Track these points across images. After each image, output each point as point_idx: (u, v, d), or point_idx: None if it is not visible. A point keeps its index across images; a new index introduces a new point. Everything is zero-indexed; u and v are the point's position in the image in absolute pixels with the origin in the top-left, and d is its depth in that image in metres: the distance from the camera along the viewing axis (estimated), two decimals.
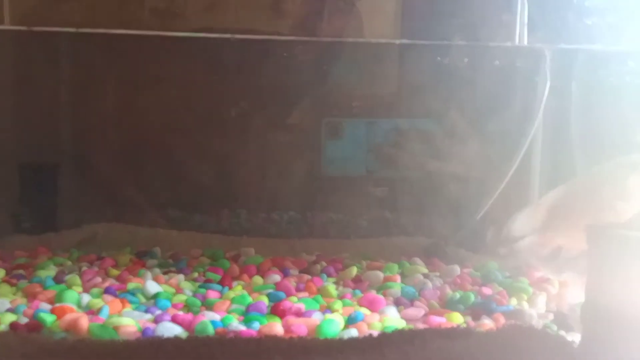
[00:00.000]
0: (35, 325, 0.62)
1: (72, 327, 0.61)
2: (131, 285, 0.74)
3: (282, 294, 0.73)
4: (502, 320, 0.69)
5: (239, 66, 1.03)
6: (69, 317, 0.62)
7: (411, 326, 0.65)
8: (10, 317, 0.64)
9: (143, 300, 0.71)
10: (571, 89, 0.88)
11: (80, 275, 0.78)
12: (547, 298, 0.77)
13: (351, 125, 1.04)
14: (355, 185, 1.06)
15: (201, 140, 1.06)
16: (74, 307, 0.67)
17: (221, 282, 0.78)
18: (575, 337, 0.62)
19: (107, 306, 0.66)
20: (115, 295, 0.71)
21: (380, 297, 0.73)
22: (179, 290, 0.75)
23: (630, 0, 0.73)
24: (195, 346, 0.55)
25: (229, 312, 0.68)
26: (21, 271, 0.80)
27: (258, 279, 0.80)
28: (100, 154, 1.04)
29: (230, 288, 0.77)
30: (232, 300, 0.71)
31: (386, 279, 0.81)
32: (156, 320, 0.64)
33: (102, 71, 1.03)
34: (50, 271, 0.80)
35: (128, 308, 0.68)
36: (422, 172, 1.00)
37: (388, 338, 0.57)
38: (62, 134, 1.05)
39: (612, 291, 0.56)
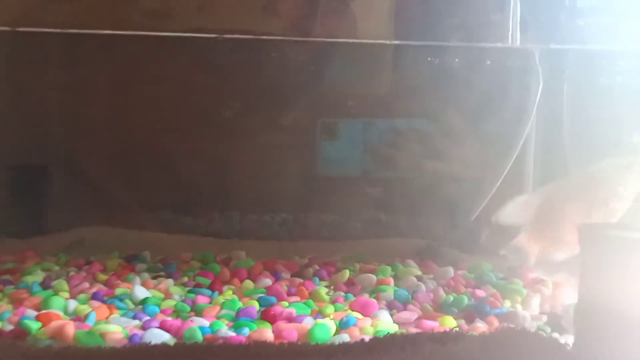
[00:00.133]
0: (20, 332, 0.61)
1: (58, 334, 0.60)
2: (119, 290, 0.73)
3: (273, 299, 0.72)
4: (495, 323, 0.68)
5: (232, 67, 1.01)
6: (54, 324, 0.61)
7: (403, 330, 0.64)
8: None
9: (131, 305, 0.70)
10: (563, 89, 0.87)
11: (68, 281, 0.76)
12: (541, 299, 0.77)
13: (347, 126, 1.03)
14: (350, 186, 1.05)
15: (193, 141, 1.05)
16: (61, 314, 0.66)
17: (211, 287, 0.77)
18: (569, 339, 0.62)
19: (94, 312, 0.65)
20: (103, 301, 0.70)
21: (373, 300, 0.72)
22: (168, 295, 0.74)
23: (622, 0, 0.73)
24: (183, 353, 0.54)
25: (218, 317, 0.67)
26: (8, 276, 0.79)
27: (249, 283, 0.79)
28: (89, 156, 1.03)
29: (221, 293, 0.75)
30: (222, 306, 0.70)
31: (379, 282, 0.80)
32: (144, 327, 0.63)
33: (91, 72, 1.02)
34: (37, 276, 0.78)
35: (115, 314, 0.67)
36: (417, 172, 1.00)
37: (380, 343, 0.56)
38: (50, 135, 1.03)
39: (605, 291, 0.56)
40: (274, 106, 1.05)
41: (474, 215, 0.95)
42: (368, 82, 1.04)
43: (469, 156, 0.97)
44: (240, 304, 0.71)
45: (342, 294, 0.76)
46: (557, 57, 0.87)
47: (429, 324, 0.66)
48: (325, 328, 0.62)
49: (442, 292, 0.77)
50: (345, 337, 0.61)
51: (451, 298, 0.75)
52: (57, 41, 0.98)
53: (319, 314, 0.69)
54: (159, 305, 0.70)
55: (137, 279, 0.77)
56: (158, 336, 0.60)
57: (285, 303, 0.71)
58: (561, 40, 0.74)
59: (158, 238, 0.97)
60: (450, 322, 0.67)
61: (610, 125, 0.82)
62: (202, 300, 0.72)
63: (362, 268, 0.87)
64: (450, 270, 0.85)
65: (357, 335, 0.63)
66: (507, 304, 0.75)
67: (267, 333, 0.61)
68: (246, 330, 0.62)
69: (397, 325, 0.67)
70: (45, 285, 0.75)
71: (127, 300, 0.71)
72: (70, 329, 0.60)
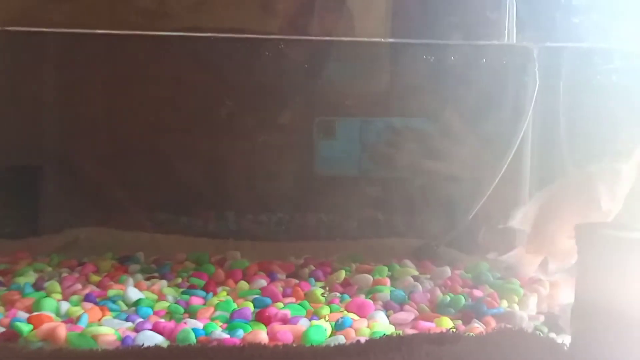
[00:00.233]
0: (12, 334, 0.60)
1: (50, 336, 0.59)
2: (112, 292, 0.72)
3: (268, 300, 0.71)
4: (492, 323, 0.68)
5: (229, 66, 1.01)
6: (46, 326, 0.60)
7: (399, 332, 0.63)
8: None
9: (124, 307, 0.69)
10: (560, 87, 0.87)
11: (60, 282, 0.75)
12: (538, 299, 0.76)
13: (344, 125, 1.02)
14: (346, 186, 1.05)
15: (189, 141, 1.04)
16: (52, 316, 0.65)
17: (205, 288, 0.76)
18: (566, 339, 0.61)
19: (87, 314, 0.64)
20: (95, 303, 0.69)
21: (369, 301, 0.72)
22: (161, 296, 0.73)
23: None
24: (176, 355, 0.53)
25: (212, 319, 0.66)
26: (0, 278, 0.78)
27: (244, 284, 0.78)
28: (84, 156, 1.02)
29: (215, 294, 0.75)
30: (216, 307, 0.69)
31: (375, 282, 0.79)
32: (137, 329, 0.62)
33: (85, 71, 1.01)
34: (29, 278, 0.77)
35: (108, 316, 0.66)
36: (414, 171, 0.99)
37: (375, 344, 0.55)
38: (44, 135, 1.02)
39: (602, 291, 0.55)
40: (270, 105, 1.04)
41: (471, 215, 0.94)
42: (364, 80, 1.03)
43: (466, 155, 0.96)
44: (234, 305, 0.70)
45: (338, 294, 0.76)
46: (553, 55, 0.86)
47: (426, 325, 0.65)
48: (321, 330, 0.61)
49: (439, 293, 0.76)
50: (340, 339, 0.61)
51: (448, 298, 0.74)
52: (52, 41, 0.97)
53: (314, 315, 0.68)
54: (152, 307, 0.69)
55: (130, 280, 0.77)
56: (151, 338, 0.59)
57: (280, 304, 0.70)
58: (557, 38, 0.73)
59: (153, 239, 0.97)
60: (447, 323, 0.66)
61: (606, 123, 0.81)
62: (196, 301, 0.71)
63: (359, 268, 0.87)
64: (448, 270, 0.85)
65: (352, 336, 0.62)
66: (505, 304, 0.74)
67: (261, 335, 0.60)
68: (240, 332, 0.61)
69: (393, 326, 0.66)
70: (37, 286, 0.74)
71: (120, 302, 0.70)
72: (62, 331, 0.59)
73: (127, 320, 0.65)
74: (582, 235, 0.58)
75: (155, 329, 0.62)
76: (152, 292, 0.74)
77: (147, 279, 0.79)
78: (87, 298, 0.70)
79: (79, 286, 0.74)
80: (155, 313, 0.68)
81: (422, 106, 0.98)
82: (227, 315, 0.67)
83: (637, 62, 0.74)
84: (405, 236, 1.00)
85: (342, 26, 0.97)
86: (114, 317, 0.66)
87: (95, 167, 1.00)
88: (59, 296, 0.71)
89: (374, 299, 0.73)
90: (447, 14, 0.84)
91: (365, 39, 0.97)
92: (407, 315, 0.69)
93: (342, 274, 0.82)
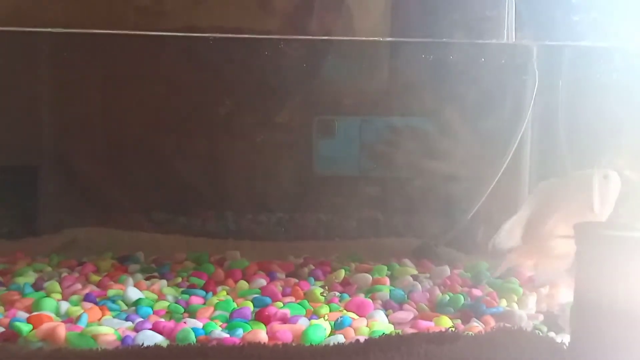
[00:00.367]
0: (11, 334, 0.60)
1: (49, 336, 0.59)
2: (112, 291, 0.72)
3: (267, 299, 0.71)
4: (491, 322, 0.68)
5: (227, 65, 1.00)
6: (45, 326, 0.60)
7: (399, 331, 0.63)
8: None
9: (124, 307, 0.69)
10: (559, 85, 0.87)
11: (60, 282, 0.75)
12: (538, 298, 0.76)
13: (343, 124, 1.02)
14: (346, 185, 1.05)
15: (187, 140, 1.04)
16: (52, 316, 0.65)
17: (205, 288, 0.76)
18: (565, 338, 0.61)
19: (86, 314, 0.64)
20: (95, 303, 0.69)
21: (368, 300, 0.72)
22: (161, 296, 0.73)
23: None
24: (175, 355, 0.53)
25: (212, 318, 0.66)
26: None
27: (243, 284, 0.78)
28: (82, 156, 1.02)
29: (215, 293, 0.75)
30: (216, 307, 0.69)
31: (375, 282, 0.80)
32: (137, 328, 0.62)
33: (83, 71, 1.01)
34: (29, 278, 0.77)
35: (108, 316, 0.66)
36: (413, 171, 0.99)
37: (374, 344, 0.55)
38: (42, 135, 1.02)
39: (602, 290, 0.55)
40: (269, 105, 1.04)
41: (470, 214, 0.94)
42: (363, 79, 1.03)
43: (465, 154, 0.96)
44: (234, 305, 0.70)
45: (338, 294, 0.76)
46: (552, 54, 0.86)
47: (425, 324, 0.65)
48: (320, 329, 0.61)
49: (438, 292, 0.76)
50: (340, 338, 0.61)
51: (447, 297, 0.74)
52: (49, 40, 0.97)
53: (314, 314, 0.68)
54: (152, 307, 0.69)
55: (130, 280, 0.77)
56: (151, 338, 0.59)
57: (280, 303, 0.70)
58: (556, 36, 0.73)
59: (152, 238, 0.97)
60: (446, 322, 0.66)
61: (606, 122, 0.81)
62: (195, 301, 0.71)
63: (358, 268, 0.87)
64: (447, 270, 0.85)
65: (352, 335, 0.62)
66: (504, 303, 0.74)
67: (261, 334, 0.60)
68: (240, 332, 0.61)
69: (392, 326, 0.66)
70: (37, 286, 0.74)
71: (120, 302, 0.70)
72: (62, 331, 0.59)
73: (127, 320, 0.65)
74: (581, 235, 0.58)
75: (155, 328, 0.62)
76: (152, 291, 0.74)
77: (147, 278, 0.79)
78: (86, 298, 0.70)
79: (78, 286, 0.74)
80: (155, 313, 0.68)
81: (421, 105, 0.98)
82: (227, 314, 0.67)
83: (637, 61, 0.74)
84: (405, 236, 1.00)
85: (342, 25, 0.97)
86: (114, 317, 0.66)
87: (94, 166, 1.00)
88: (59, 296, 0.71)
89: (373, 298, 0.74)
90: (446, 13, 0.84)
91: (364, 38, 0.97)
92: (407, 314, 0.69)
93: (342, 273, 0.82)
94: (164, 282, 0.78)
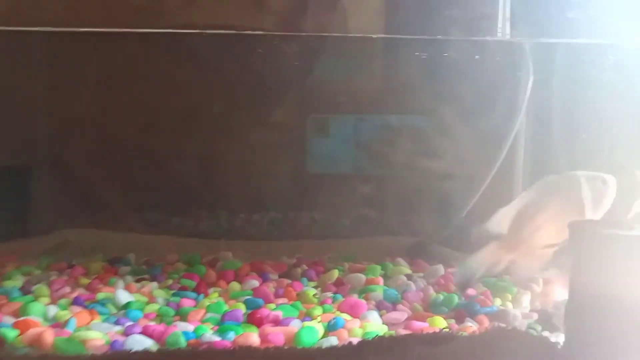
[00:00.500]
0: None
1: (36, 342, 0.58)
2: (101, 295, 0.71)
3: (260, 301, 0.71)
4: (486, 322, 0.67)
5: (220, 63, 0.99)
6: (32, 331, 0.59)
7: (392, 332, 0.63)
8: None
9: (113, 310, 0.68)
10: (553, 83, 0.86)
11: (49, 285, 0.74)
12: (532, 297, 0.76)
13: (337, 122, 1.01)
14: (339, 184, 1.04)
15: (180, 140, 1.02)
16: (40, 320, 0.64)
17: (197, 289, 0.75)
18: (560, 337, 0.61)
19: (74, 318, 0.63)
20: (84, 306, 0.68)
21: (362, 301, 0.71)
22: (151, 299, 0.72)
23: None
24: None
25: (203, 321, 0.65)
26: None
27: (235, 285, 0.77)
28: (73, 156, 1.00)
29: (206, 295, 0.74)
30: (208, 309, 0.68)
31: (368, 282, 0.79)
32: (126, 333, 0.61)
33: (75, 70, 0.99)
34: (16, 281, 0.76)
35: (97, 320, 0.65)
36: (407, 169, 0.98)
37: (367, 346, 0.55)
38: (32, 135, 1.00)
39: (596, 289, 0.55)
40: (263, 103, 1.03)
41: (464, 212, 0.94)
42: (358, 77, 1.02)
43: (459, 152, 0.96)
44: (226, 307, 0.69)
45: (331, 294, 0.75)
46: (547, 51, 0.85)
47: (419, 325, 0.65)
48: (313, 331, 0.60)
49: (432, 291, 0.76)
50: (333, 340, 0.60)
51: (441, 297, 0.74)
52: (42, 39, 0.96)
53: (307, 316, 0.68)
54: (142, 310, 0.68)
55: (120, 283, 0.75)
56: (140, 342, 0.58)
57: (272, 305, 0.69)
58: (551, 33, 0.73)
59: (144, 240, 0.95)
60: (440, 323, 0.66)
61: (600, 120, 0.81)
62: (187, 303, 0.70)
63: (351, 267, 0.86)
64: (441, 269, 0.84)
65: (345, 337, 0.61)
66: (498, 302, 0.74)
67: (252, 337, 0.59)
68: (231, 335, 0.60)
69: (386, 326, 0.66)
70: (25, 290, 0.73)
71: (110, 305, 0.69)
72: (49, 336, 0.58)
73: (116, 323, 0.64)
74: (575, 233, 0.58)
75: (145, 332, 0.61)
76: (143, 294, 0.73)
77: (138, 280, 0.78)
78: (75, 301, 0.69)
79: (67, 289, 0.73)
80: (146, 316, 0.67)
81: (414, 103, 0.98)
82: (219, 317, 0.66)
83: (632, 58, 0.73)
84: (399, 234, 0.99)
85: (336, 23, 0.96)
86: (103, 321, 0.65)
87: (84, 167, 0.99)
88: (47, 300, 0.70)
89: (366, 299, 0.73)
90: (440, 10, 0.83)
91: (358, 35, 0.96)
92: (400, 314, 0.69)
93: (335, 273, 0.81)
94: (155, 284, 0.76)
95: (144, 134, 1.02)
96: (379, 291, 0.75)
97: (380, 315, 0.68)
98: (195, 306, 0.70)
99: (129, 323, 0.64)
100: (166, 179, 1.02)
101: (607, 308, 0.54)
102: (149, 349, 0.54)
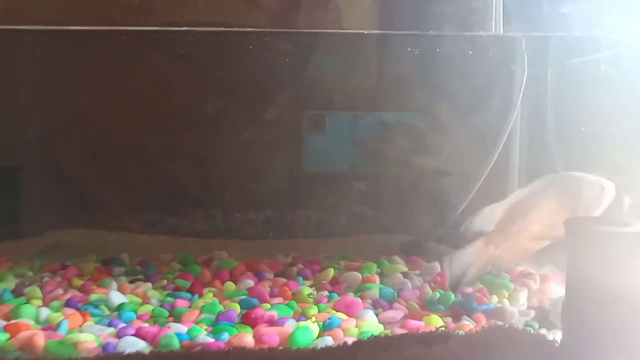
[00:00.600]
0: None
1: (27, 345, 0.57)
2: (94, 296, 0.70)
3: (255, 301, 0.70)
4: (482, 320, 0.67)
5: (214, 61, 0.98)
6: (23, 334, 0.58)
7: (388, 331, 0.62)
8: None
9: (107, 312, 0.68)
10: (547, 78, 0.85)
11: (41, 287, 0.73)
12: (529, 294, 0.76)
13: (333, 120, 1.00)
14: (336, 183, 1.03)
15: (174, 138, 1.01)
16: (32, 323, 0.63)
17: (191, 289, 0.75)
18: (557, 335, 0.60)
19: (67, 321, 0.62)
20: (77, 308, 0.67)
21: (358, 300, 0.70)
22: (145, 300, 0.71)
23: None
24: None
25: (198, 322, 0.65)
26: None
27: (230, 285, 0.76)
28: (66, 155, 0.99)
29: (201, 295, 0.73)
30: (202, 309, 0.68)
31: (364, 280, 0.78)
32: (119, 334, 0.60)
33: (67, 69, 0.98)
34: (8, 284, 0.75)
35: (89, 322, 0.64)
36: (403, 167, 0.98)
37: (363, 346, 0.54)
38: (24, 134, 0.99)
39: (593, 286, 0.54)
40: (257, 101, 1.02)
41: (460, 209, 0.93)
42: (351, 74, 1.01)
43: (454, 149, 0.95)
44: (220, 307, 0.68)
45: (326, 293, 0.74)
46: (541, 45, 0.85)
47: (415, 324, 0.64)
48: (308, 331, 0.60)
49: (428, 289, 0.75)
50: (328, 340, 0.59)
51: (437, 295, 0.73)
52: (33, 38, 0.94)
53: (302, 315, 0.67)
54: (135, 311, 0.67)
55: (114, 284, 0.75)
56: (133, 344, 0.57)
57: (267, 305, 0.69)
58: (544, 28, 0.72)
59: (138, 239, 0.94)
60: (436, 321, 0.65)
61: (594, 114, 0.80)
62: (181, 304, 0.70)
63: (347, 266, 0.85)
64: (437, 266, 0.84)
65: (341, 337, 0.61)
66: (495, 299, 0.73)
67: (247, 338, 0.58)
68: (226, 336, 0.60)
69: (382, 325, 0.65)
70: (17, 292, 0.72)
71: (103, 307, 0.68)
72: (40, 339, 0.57)
73: (109, 325, 0.63)
74: (572, 230, 0.57)
75: (138, 334, 0.60)
76: (136, 295, 0.72)
77: (132, 281, 0.77)
78: (68, 303, 0.68)
79: (60, 291, 0.72)
80: (139, 317, 0.66)
81: (408, 100, 0.97)
82: (213, 317, 0.66)
83: (626, 52, 0.73)
84: (395, 232, 0.99)
85: (329, 20, 0.95)
86: (96, 323, 0.64)
87: (78, 166, 0.98)
88: (40, 302, 0.69)
89: (362, 297, 0.72)
90: (434, 5, 0.82)
91: (349, 31, 0.95)
92: (396, 313, 0.68)
93: (331, 272, 0.80)
94: (149, 285, 0.76)
95: (138, 132, 1.01)
96: (375, 290, 0.74)
97: (376, 314, 0.68)
98: (189, 307, 0.69)
99: (122, 325, 0.63)
100: (161, 178, 1.01)
101: (605, 305, 0.54)
102: (142, 351, 0.53)
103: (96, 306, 0.68)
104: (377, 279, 0.79)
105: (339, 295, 0.73)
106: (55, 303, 0.68)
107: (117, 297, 0.69)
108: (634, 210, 0.68)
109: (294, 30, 0.91)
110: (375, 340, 0.55)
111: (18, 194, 0.97)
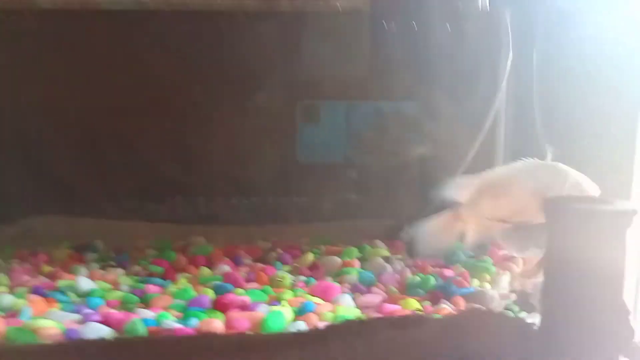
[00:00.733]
0: None
1: None
2: (62, 282, 0.68)
3: (229, 286, 0.68)
4: (461, 303, 0.65)
5: (198, 42, 0.95)
6: None
7: (362, 316, 0.60)
8: None
9: (75, 298, 0.65)
10: (533, 57, 0.83)
11: (8, 274, 0.71)
12: (511, 277, 0.74)
13: (318, 105, 0.98)
14: (319, 168, 1.01)
15: (154, 122, 0.98)
16: None
17: (165, 276, 0.72)
18: (537, 318, 0.59)
19: (29, 307, 0.60)
20: (44, 295, 0.65)
21: (335, 284, 0.69)
22: (116, 286, 0.69)
23: None
24: (119, 348, 0.50)
25: (169, 308, 0.63)
26: None
27: (205, 271, 0.74)
28: (38, 139, 0.96)
29: (174, 281, 0.71)
30: (174, 295, 0.66)
31: (344, 265, 0.76)
32: (84, 321, 0.58)
33: (40, 49, 0.94)
34: None
35: (55, 308, 0.62)
36: (389, 150, 0.95)
37: (334, 330, 0.52)
38: None
39: (573, 267, 0.52)
40: (240, 85, 0.99)
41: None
42: (334, 54, 0.98)
43: (439, 131, 0.93)
44: (193, 293, 0.66)
45: (304, 278, 0.72)
46: (526, 22, 0.81)
47: (390, 308, 0.62)
48: (279, 316, 0.58)
49: (409, 273, 0.74)
50: (301, 325, 0.58)
51: (417, 279, 0.71)
52: (7, 19, 0.91)
53: (276, 300, 0.65)
54: (104, 297, 0.65)
55: (83, 270, 0.72)
56: (96, 330, 0.55)
57: (241, 290, 0.67)
58: (530, 2, 0.69)
59: (114, 226, 0.92)
60: (413, 305, 0.63)
61: (580, 93, 0.78)
62: (152, 290, 0.68)
63: (328, 250, 0.83)
64: None
65: (315, 321, 0.59)
66: (476, 283, 0.72)
67: (215, 323, 0.56)
68: (194, 321, 0.58)
69: (359, 310, 0.63)
70: None
71: (71, 293, 0.66)
72: (0, 325, 0.55)
73: (75, 312, 0.61)
74: (552, 209, 0.55)
75: (105, 320, 0.58)
76: (107, 281, 0.70)
77: (104, 267, 0.75)
78: (35, 290, 0.66)
79: (26, 278, 0.70)
80: (108, 303, 0.64)
81: (396, 85, 0.94)
82: (185, 303, 0.64)
83: (613, 29, 0.70)
84: (379, 217, 0.97)
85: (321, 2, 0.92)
86: (63, 310, 0.62)
87: (51, 150, 0.95)
88: (5, 289, 0.67)
89: (341, 282, 0.70)
90: None
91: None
92: (375, 297, 0.67)
93: (310, 256, 0.79)
94: (120, 271, 0.74)
95: (116, 115, 0.97)
96: (353, 274, 0.72)
97: (354, 299, 0.66)
98: (161, 293, 0.67)
99: (88, 311, 0.61)
100: (139, 163, 0.98)
101: (583, 285, 0.52)
102: (103, 338, 0.51)
103: (63, 293, 0.66)
104: (356, 263, 0.77)
105: (317, 279, 0.72)
106: (21, 290, 0.66)
107: (85, 283, 0.67)
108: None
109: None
110: (347, 324, 0.53)
111: None
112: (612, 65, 0.72)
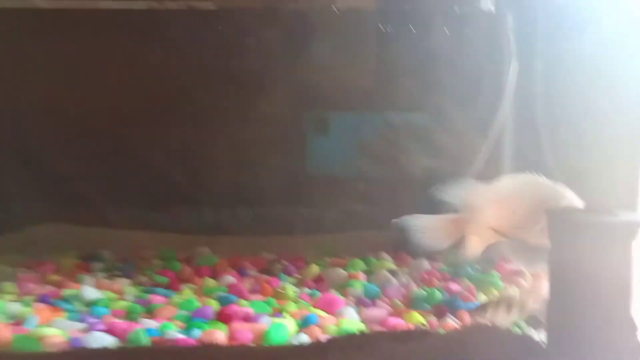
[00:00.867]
0: None
1: None
2: (68, 292, 0.68)
3: (233, 297, 0.68)
4: (467, 318, 0.64)
5: (208, 51, 0.95)
6: None
7: (364, 329, 0.60)
8: None
9: (81, 307, 0.66)
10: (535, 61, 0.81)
11: (16, 282, 0.72)
12: (519, 292, 0.73)
13: (335, 119, 0.98)
14: (330, 180, 1.01)
15: (161, 131, 0.98)
16: (0, 318, 0.61)
17: (170, 286, 0.73)
18: (545, 335, 0.58)
19: (35, 315, 0.60)
20: (50, 303, 0.65)
21: (339, 297, 0.68)
22: (122, 295, 0.69)
23: None
24: (122, 357, 0.50)
25: (173, 318, 0.63)
26: None
27: (210, 282, 0.74)
28: (44, 146, 0.96)
29: (179, 292, 0.71)
30: (179, 306, 0.66)
31: (350, 277, 0.76)
32: (90, 329, 0.59)
33: (41, 52, 0.92)
34: None
35: (60, 317, 0.62)
36: (396, 160, 0.95)
37: (336, 343, 0.52)
38: None
39: (578, 280, 0.51)
40: (248, 94, 1.00)
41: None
42: (339, 56, 0.97)
43: (446, 143, 0.92)
44: (197, 304, 0.66)
45: (308, 290, 0.72)
46: (529, 24, 0.80)
47: (394, 322, 0.62)
48: (282, 328, 0.58)
49: (414, 287, 0.73)
50: (304, 337, 0.57)
51: (423, 293, 0.70)
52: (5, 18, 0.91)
53: (280, 312, 0.65)
54: (109, 307, 0.65)
55: (89, 279, 0.73)
56: (100, 339, 0.55)
57: (245, 302, 0.67)
58: (533, 4, 0.68)
59: (121, 236, 0.92)
60: (416, 319, 0.63)
61: (583, 96, 0.76)
62: (157, 300, 0.68)
63: (333, 262, 0.83)
64: (425, 263, 0.81)
65: (318, 334, 0.59)
66: (482, 297, 0.71)
67: (218, 335, 0.56)
68: (197, 332, 0.58)
69: (363, 324, 0.63)
70: None
71: (76, 302, 0.66)
72: (7, 333, 0.56)
73: (81, 320, 0.61)
74: (555, 220, 0.54)
75: (109, 329, 0.58)
76: (113, 291, 0.70)
77: (110, 277, 0.76)
78: (42, 299, 0.67)
79: (33, 286, 0.71)
80: (114, 313, 0.64)
81: (393, 83, 0.93)
82: (189, 314, 0.64)
83: (615, 31, 0.69)
84: (385, 228, 0.96)
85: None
86: (68, 318, 0.62)
87: (57, 158, 0.95)
88: (13, 297, 0.68)
89: (346, 295, 0.70)
90: None
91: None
92: (379, 311, 0.66)
93: (314, 268, 0.78)
94: (126, 281, 0.74)
95: (122, 125, 0.97)
96: (358, 287, 0.72)
97: (358, 312, 0.66)
98: (166, 303, 0.67)
99: (93, 320, 0.61)
100: (147, 172, 0.98)
101: (589, 298, 0.51)
102: (106, 347, 0.52)
103: (69, 302, 0.66)
104: (361, 275, 0.76)
105: (321, 292, 0.71)
106: (28, 298, 0.67)
107: (90, 293, 0.68)
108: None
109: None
110: (349, 338, 0.53)
111: None
112: (617, 70, 0.72)
